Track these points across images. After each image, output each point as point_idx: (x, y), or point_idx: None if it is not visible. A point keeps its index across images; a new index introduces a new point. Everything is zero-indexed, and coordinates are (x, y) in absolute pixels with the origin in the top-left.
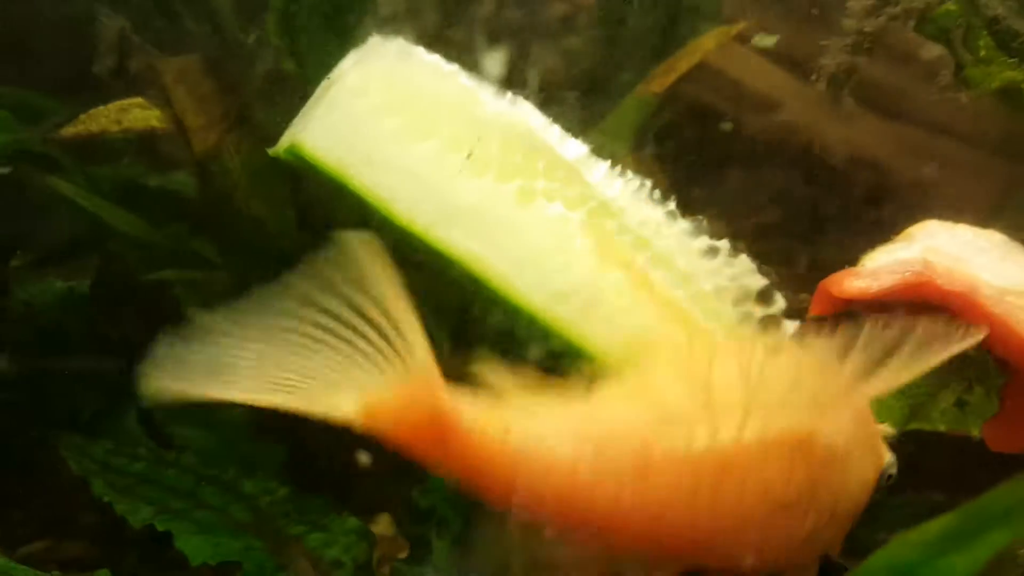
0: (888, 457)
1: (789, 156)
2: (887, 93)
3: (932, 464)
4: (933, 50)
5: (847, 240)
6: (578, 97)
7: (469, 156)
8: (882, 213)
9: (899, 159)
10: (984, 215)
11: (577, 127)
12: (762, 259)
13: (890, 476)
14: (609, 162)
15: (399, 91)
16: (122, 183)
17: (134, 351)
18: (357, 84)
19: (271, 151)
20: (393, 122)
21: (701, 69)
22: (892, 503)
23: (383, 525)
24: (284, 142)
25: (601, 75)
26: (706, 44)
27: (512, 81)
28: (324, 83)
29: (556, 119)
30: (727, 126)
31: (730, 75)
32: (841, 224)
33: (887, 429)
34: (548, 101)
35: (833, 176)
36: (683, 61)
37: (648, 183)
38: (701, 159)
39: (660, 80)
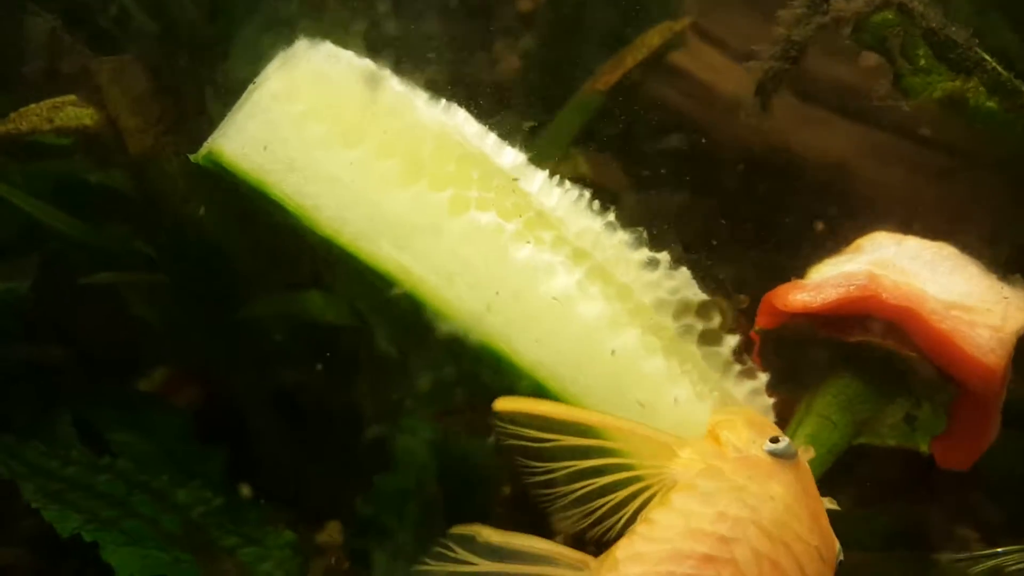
0: (837, 545)
1: (751, 156)
2: (851, 95)
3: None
4: (870, 59)
5: (806, 243)
6: (529, 96)
7: (399, 163)
8: (842, 215)
9: (862, 161)
10: (946, 218)
11: (526, 127)
12: (714, 262)
13: (840, 561)
14: (547, 172)
15: (326, 96)
16: (61, 183)
17: (75, 353)
18: (281, 89)
19: (192, 158)
20: (319, 128)
21: (665, 70)
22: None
23: (331, 533)
24: (204, 149)
25: (555, 73)
26: (652, 40)
27: (460, 81)
28: (250, 87)
29: (504, 120)
30: (687, 126)
31: (694, 75)
32: (800, 226)
33: (832, 504)
34: (495, 102)
35: (795, 178)
36: (629, 58)
37: (587, 193)
38: (659, 157)
39: (606, 78)
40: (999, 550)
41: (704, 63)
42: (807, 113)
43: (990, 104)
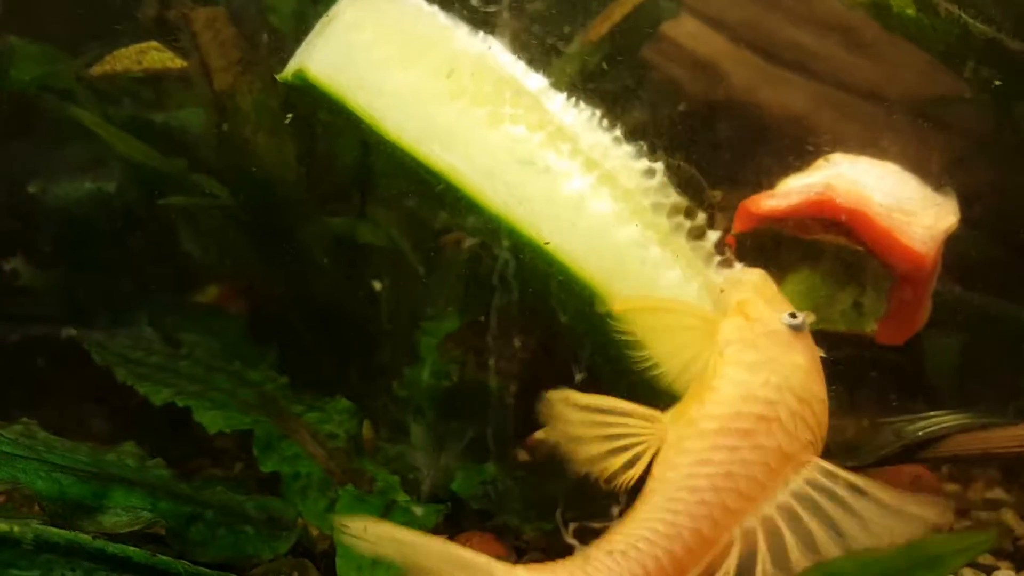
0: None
1: (728, 112)
2: (815, 58)
3: None
4: None
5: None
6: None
7: (447, 83)
8: (801, 158)
9: (821, 115)
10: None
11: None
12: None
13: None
14: (566, 94)
15: (388, 27)
16: (134, 119)
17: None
18: (352, 20)
19: (279, 76)
20: (383, 53)
21: (660, 39)
22: None
23: (364, 429)
24: (291, 68)
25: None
26: None
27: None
28: (323, 20)
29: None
30: (666, 82)
31: (674, 39)
32: (766, 165)
33: (822, 353)
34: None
35: (764, 128)
36: (617, 11)
37: (598, 112)
38: (640, 107)
39: (596, 29)
40: (928, 414)
41: (684, 30)
42: (771, 72)
43: (909, 11)
